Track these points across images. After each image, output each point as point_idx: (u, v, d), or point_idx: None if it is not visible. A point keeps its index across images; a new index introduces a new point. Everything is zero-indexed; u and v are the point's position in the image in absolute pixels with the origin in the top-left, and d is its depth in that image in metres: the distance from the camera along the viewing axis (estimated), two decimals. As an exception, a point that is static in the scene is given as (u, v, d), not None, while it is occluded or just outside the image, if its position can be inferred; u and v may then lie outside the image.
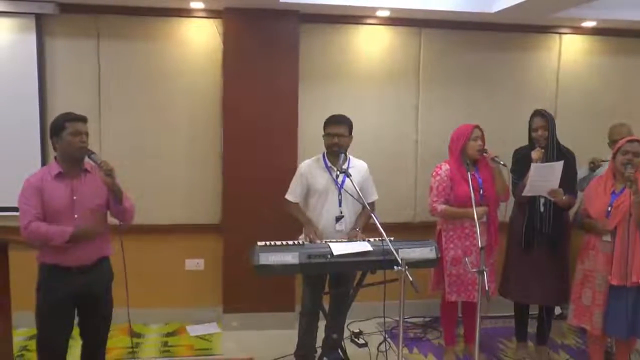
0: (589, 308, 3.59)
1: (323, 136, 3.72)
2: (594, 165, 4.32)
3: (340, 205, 3.69)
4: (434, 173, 3.94)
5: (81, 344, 3.27)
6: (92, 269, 3.08)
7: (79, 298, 3.07)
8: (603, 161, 4.24)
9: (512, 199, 4.10)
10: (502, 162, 3.78)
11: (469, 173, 3.70)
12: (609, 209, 3.50)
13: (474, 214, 3.72)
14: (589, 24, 4.81)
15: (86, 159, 3.10)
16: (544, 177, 3.74)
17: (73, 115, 3.07)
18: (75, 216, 3.01)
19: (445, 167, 3.90)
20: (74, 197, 3.02)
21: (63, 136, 3.01)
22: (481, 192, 3.79)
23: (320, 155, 3.78)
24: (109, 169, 2.97)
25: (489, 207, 3.85)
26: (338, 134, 3.63)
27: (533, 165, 3.76)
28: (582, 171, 4.29)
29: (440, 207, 3.87)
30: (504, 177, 3.92)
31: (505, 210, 4.03)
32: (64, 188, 3.02)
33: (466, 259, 3.76)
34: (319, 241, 3.47)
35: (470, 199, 3.73)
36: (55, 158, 3.10)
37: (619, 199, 3.48)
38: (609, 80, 5.04)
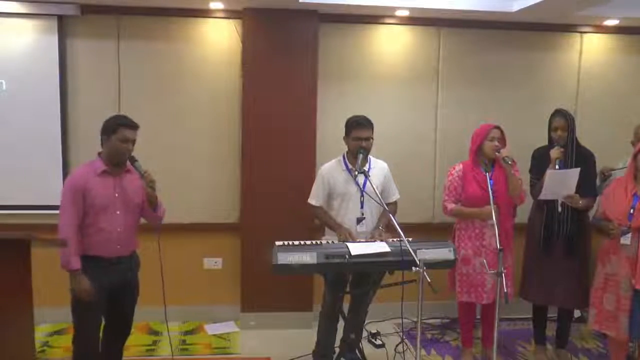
0: (613, 313, 3.51)
1: (346, 139, 3.71)
2: (604, 176, 4.21)
3: (362, 207, 3.69)
4: (448, 173, 3.97)
5: (105, 330, 3.36)
6: (127, 260, 3.28)
7: (114, 286, 3.21)
8: (613, 170, 4.18)
9: (530, 200, 4.07)
10: (509, 161, 3.74)
11: (487, 173, 3.68)
12: (632, 211, 3.43)
13: (482, 214, 3.72)
14: (611, 22, 4.74)
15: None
16: (559, 183, 3.71)
17: (127, 121, 3.18)
18: (118, 212, 3.18)
19: (459, 167, 3.92)
20: (116, 194, 3.17)
21: (112, 139, 3.14)
22: (492, 192, 3.75)
23: (341, 157, 3.78)
24: (151, 180, 3.19)
25: (499, 209, 3.81)
26: (366, 138, 3.62)
27: (548, 172, 3.73)
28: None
29: (450, 206, 3.89)
30: (516, 178, 3.85)
31: (515, 213, 3.97)
32: (107, 185, 3.16)
33: (483, 261, 3.73)
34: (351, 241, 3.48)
35: (478, 199, 3.72)
36: (100, 154, 3.21)
37: (643, 201, 3.42)
38: (631, 79, 4.96)
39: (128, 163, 3.25)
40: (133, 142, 3.19)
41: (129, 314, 3.42)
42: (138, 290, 3.42)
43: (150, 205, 3.27)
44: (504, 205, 3.83)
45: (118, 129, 3.13)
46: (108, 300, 3.24)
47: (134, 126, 3.18)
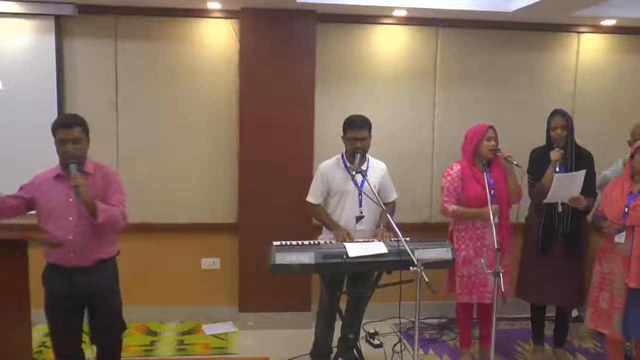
0: (608, 311, 3.53)
1: (343, 138, 3.71)
2: None
3: (360, 206, 3.69)
4: (445, 173, 3.94)
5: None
6: (90, 270, 3.05)
7: (80, 297, 3.07)
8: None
9: (527, 199, 4.07)
10: (515, 162, 3.74)
11: (484, 173, 3.69)
12: (626, 210, 3.44)
13: (484, 214, 3.72)
14: (608, 22, 4.75)
15: (90, 161, 3.10)
16: (566, 186, 3.71)
17: (60, 121, 3.06)
18: (70, 218, 3.00)
19: (457, 167, 3.90)
20: (70, 200, 3.00)
21: (55, 142, 3.03)
22: (492, 192, 3.76)
23: (340, 156, 3.79)
24: (75, 184, 2.89)
25: (502, 208, 3.82)
26: (361, 138, 3.62)
27: (556, 176, 3.73)
28: (617, 168, 4.19)
29: (451, 207, 3.86)
30: (517, 178, 3.88)
31: (518, 211, 3.96)
32: (61, 190, 3.02)
33: (482, 260, 3.74)
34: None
35: (480, 199, 3.72)
36: None
37: (637, 199, 3.41)
38: (628, 79, 4.97)
39: (87, 165, 3.07)
40: (74, 140, 2.97)
41: (105, 330, 3.19)
42: (113, 303, 3.18)
43: (88, 211, 2.95)
44: (505, 204, 3.84)
45: (55, 132, 3.00)
46: (83, 312, 3.13)
47: (67, 125, 2.99)
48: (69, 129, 2.99)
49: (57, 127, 3.02)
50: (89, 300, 3.10)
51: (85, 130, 3.06)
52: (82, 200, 2.91)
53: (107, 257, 3.14)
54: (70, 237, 2.99)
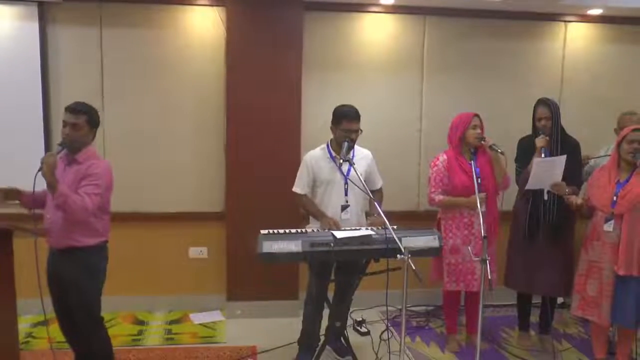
0: (596, 299, 3.56)
1: (334, 128, 3.67)
2: (583, 162, 4.26)
3: (346, 195, 3.69)
4: (432, 164, 3.97)
5: None
6: (60, 255, 3.06)
7: (53, 279, 3.11)
8: (590, 158, 4.22)
9: (515, 188, 4.10)
10: (499, 150, 3.77)
11: (472, 162, 3.71)
12: (615, 198, 3.47)
13: (470, 203, 3.74)
14: (595, 11, 4.77)
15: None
16: (546, 172, 3.73)
17: (70, 105, 3.09)
18: (52, 200, 3.00)
19: (443, 157, 3.92)
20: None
21: None
22: (478, 180, 3.78)
23: (325, 145, 3.77)
24: (41, 161, 2.90)
25: (487, 196, 3.84)
26: (355, 130, 3.61)
27: (535, 160, 3.75)
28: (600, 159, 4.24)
29: (438, 197, 3.89)
30: (502, 165, 3.90)
31: (502, 200, 3.98)
32: (59, 171, 3.01)
33: (468, 248, 3.77)
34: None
35: (466, 188, 3.74)
36: None
37: (626, 187, 3.46)
38: (614, 68, 5.00)
39: (80, 155, 3.08)
40: (73, 126, 3.02)
41: (78, 324, 3.12)
42: (76, 297, 3.07)
43: (49, 189, 2.94)
44: (491, 192, 3.86)
45: (64, 113, 3.08)
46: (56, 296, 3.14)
47: (72, 110, 3.05)
48: (73, 114, 3.06)
49: (65, 110, 3.09)
50: (57, 282, 3.10)
51: (91, 121, 3.11)
52: (46, 179, 2.89)
53: (80, 245, 3.05)
54: (48, 216, 3.06)
